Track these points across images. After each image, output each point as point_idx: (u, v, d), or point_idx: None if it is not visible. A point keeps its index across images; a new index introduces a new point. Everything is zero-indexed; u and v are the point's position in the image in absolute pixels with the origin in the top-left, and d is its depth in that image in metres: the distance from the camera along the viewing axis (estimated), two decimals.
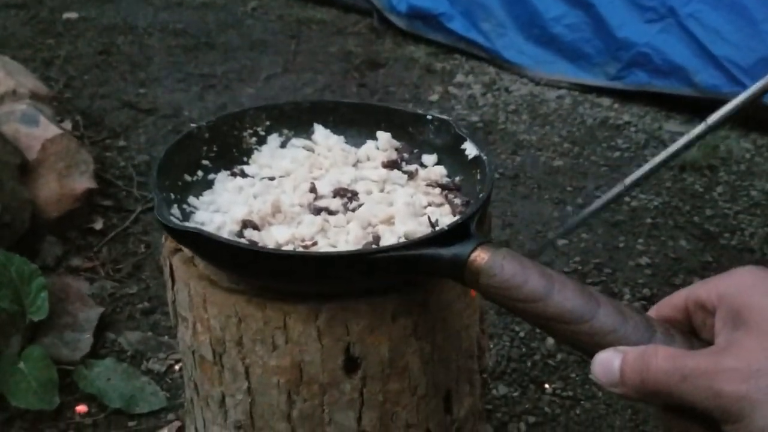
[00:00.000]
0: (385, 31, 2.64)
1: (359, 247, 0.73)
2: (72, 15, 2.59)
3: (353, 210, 0.80)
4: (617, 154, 1.97)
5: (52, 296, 1.19)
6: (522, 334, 1.33)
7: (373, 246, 0.72)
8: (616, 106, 2.22)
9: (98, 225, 1.48)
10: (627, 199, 1.78)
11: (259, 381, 0.73)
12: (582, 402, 1.21)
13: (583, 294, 0.56)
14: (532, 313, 0.60)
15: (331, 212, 0.80)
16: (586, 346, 0.55)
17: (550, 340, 1.32)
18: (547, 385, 1.24)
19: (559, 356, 1.30)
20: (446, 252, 0.65)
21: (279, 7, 2.80)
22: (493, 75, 2.38)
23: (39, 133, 1.50)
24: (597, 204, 1.15)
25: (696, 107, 2.15)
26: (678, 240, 1.63)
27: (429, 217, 0.77)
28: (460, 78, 2.35)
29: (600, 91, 2.28)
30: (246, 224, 0.77)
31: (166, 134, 1.88)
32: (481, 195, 0.75)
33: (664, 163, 1.08)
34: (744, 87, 2.03)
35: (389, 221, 0.78)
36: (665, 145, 2.07)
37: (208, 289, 0.72)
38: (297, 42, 2.50)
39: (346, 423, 0.75)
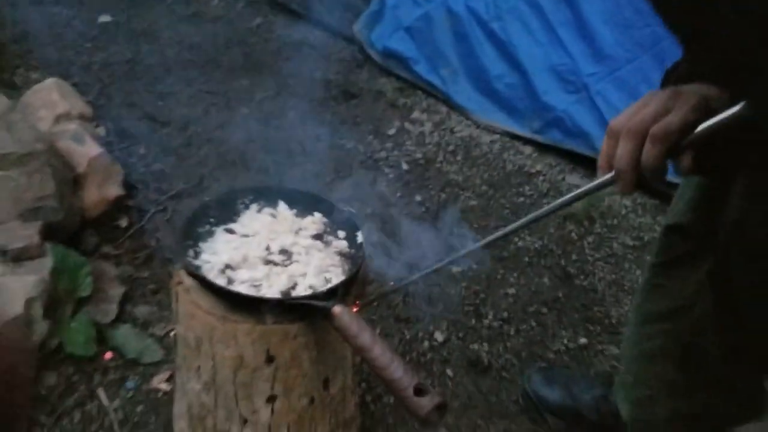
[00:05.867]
0: (365, 62, 3.17)
1: (283, 289, 1.32)
2: (106, 18, 3.10)
3: (287, 265, 1.39)
4: (521, 199, 2.55)
5: (92, 277, 1.78)
6: (408, 337, 1.94)
7: (288, 292, 1.32)
8: (534, 155, 2.78)
9: (123, 223, 2.06)
10: (516, 239, 2.37)
11: (219, 362, 1.32)
12: None
13: (387, 351, 1.15)
14: (363, 357, 1.19)
15: (276, 264, 1.39)
16: (389, 388, 1.14)
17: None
18: None
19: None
20: (320, 304, 1.24)
21: (280, 27, 3.31)
22: (444, 115, 2.93)
23: (85, 150, 2.06)
24: (444, 261, 1.59)
25: (594, 166, 2.72)
26: (542, 277, 2.23)
27: (326, 278, 1.35)
28: (416, 115, 2.90)
29: (525, 140, 2.84)
30: (227, 266, 1.36)
31: (177, 146, 2.44)
32: (349, 272, 1.34)
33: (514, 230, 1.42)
34: None
35: (305, 275, 1.37)
36: (561, 195, 2.65)
37: (196, 310, 1.31)
38: (288, 66, 3.03)
39: (265, 390, 1.35)
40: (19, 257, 1.65)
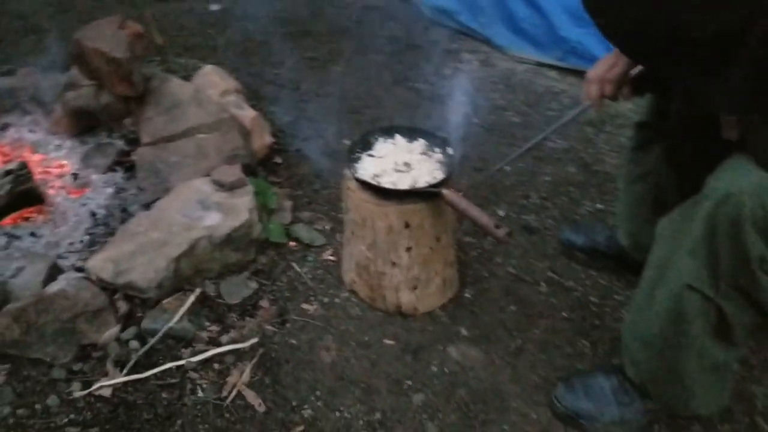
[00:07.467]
0: (421, 17, 4.01)
1: (407, 186, 2.28)
2: (215, 6, 3.98)
3: (408, 172, 2.34)
4: (550, 113, 3.42)
5: (275, 196, 2.77)
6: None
7: (413, 186, 2.27)
8: (558, 77, 3.63)
9: (278, 160, 3.03)
10: (547, 143, 3.26)
11: (377, 230, 2.30)
12: None
13: (477, 210, 2.11)
14: (464, 215, 2.15)
15: (402, 171, 2.33)
16: (481, 228, 2.10)
17: None
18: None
19: None
20: (435, 190, 2.19)
21: None
22: (486, 54, 3.77)
23: (246, 114, 3.02)
24: (521, 150, 2.62)
25: None
26: (569, 167, 3.12)
27: (434, 176, 2.30)
28: (464, 56, 3.75)
29: (550, 66, 3.68)
30: (375, 175, 2.31)
31: (296, 102, 3.37)
32: (447, 171, 2.28)
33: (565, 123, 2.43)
34: None
35: (421, 176, 2.32)
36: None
37: (361, 201, 2.27)
38: (362, 27, 3.89)
39: (405, 243, 2.31)
40: (232, 187, 2.64)
